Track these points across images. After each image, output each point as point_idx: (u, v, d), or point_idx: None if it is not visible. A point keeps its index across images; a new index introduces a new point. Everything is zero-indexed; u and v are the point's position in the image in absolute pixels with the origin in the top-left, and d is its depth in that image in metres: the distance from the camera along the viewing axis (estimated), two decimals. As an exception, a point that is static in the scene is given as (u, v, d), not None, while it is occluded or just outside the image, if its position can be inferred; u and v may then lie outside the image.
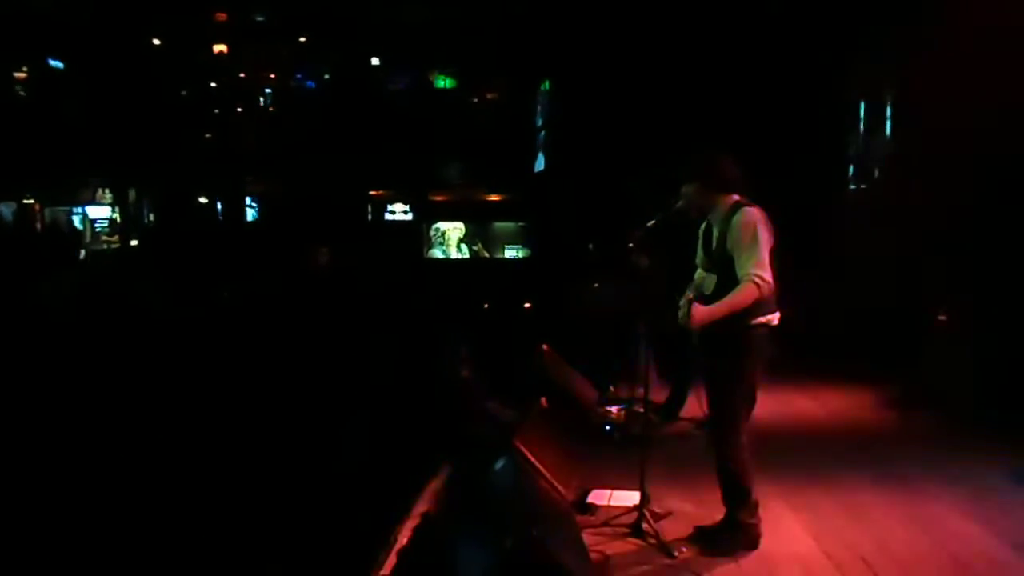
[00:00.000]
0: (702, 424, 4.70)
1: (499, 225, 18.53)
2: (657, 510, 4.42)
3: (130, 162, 20.11)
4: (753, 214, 3.87)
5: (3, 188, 18.79)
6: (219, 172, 22.36)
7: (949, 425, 6.23)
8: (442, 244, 18.06)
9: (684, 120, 9.59)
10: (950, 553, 3.95)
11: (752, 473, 4.00)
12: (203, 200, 23.39)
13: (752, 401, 3.99)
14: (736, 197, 3.99)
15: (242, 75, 22.66)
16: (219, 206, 23.48)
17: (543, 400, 5.39)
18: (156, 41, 21.36)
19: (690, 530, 4.19)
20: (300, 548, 4.18)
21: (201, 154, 21.85)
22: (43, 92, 20.18)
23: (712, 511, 4.23)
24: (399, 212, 21.45)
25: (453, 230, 18.13)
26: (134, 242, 21.52)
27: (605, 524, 4.30)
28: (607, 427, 5.98)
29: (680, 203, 4.18)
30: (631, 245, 4.38)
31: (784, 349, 4.05)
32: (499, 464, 4.03)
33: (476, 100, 22.15)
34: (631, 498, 4.40)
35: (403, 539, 3.59)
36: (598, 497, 4.66)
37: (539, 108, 17.60)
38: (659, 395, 6.05)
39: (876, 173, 9.55)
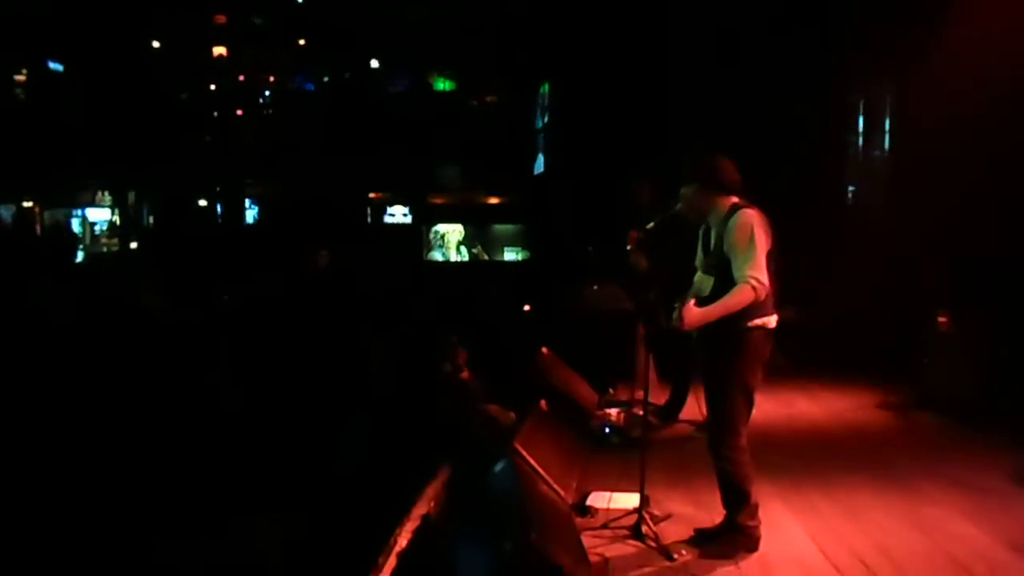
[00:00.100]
0: (702, 426, 4.70)
1: (498, 227, 18.54)
2: (657, 512, 4.42)
3: (129, 164, 20.11)
4: (750, 216, 3.88)
5: (2, 190, 18.79)
6: (218, 174, 22.37)
7: (948, 427, 6.24)
8: (441, 246, 18.07)
9: (684, 122, 9.59)
10: (950, 555, 3.95)
11: (752, 475, 4.00)
12: (202, 203, 23.38)
13: (751, 403, 3.99)
14: (734, 199, 3.99)
15: (241, 77, 22.66)
16: (218, 208, 23.48)
17: (543, 402, 5.39)
18: (156, 43, 21.36)
19: (690, 532, 4.19)
20: (300, 549, 4.18)
21: (201, 156, 21.86)
22: (42, 94, 20.18)
23: (712, 513, 4.23)
24: (398, 215, 21.46)
25: (452, 232, 18.14)
26: (134, 244, 21.53)
27: (605, 526, 4.31)
28: (607, 429, 5.97)
29: (679, 205, 4.18)
30: (630, 247, 4.40)
31: (785, 350, 4.05)
32: (499, 466, 4.03)
33: (475, 102, 22.16)
34: (631, 500, 4.40)
35: (403, 541, 3.58)
36: (598, 499, 4.66)
37: (538, 110, 17.60)
38: (659, 397, 6.05)
39: (876, 175, 9.54)
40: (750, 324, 3.85)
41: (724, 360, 3.91)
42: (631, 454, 4.68)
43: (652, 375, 4.89)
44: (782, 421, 6.44)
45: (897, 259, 8.46)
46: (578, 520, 4.35)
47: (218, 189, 23.10)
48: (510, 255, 18.10)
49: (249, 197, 23.49)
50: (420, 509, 3.87)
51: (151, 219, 23.07)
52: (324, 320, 7.36)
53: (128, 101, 19.74)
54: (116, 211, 22.64)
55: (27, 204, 20.22)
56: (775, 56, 9.70)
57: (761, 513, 4.07)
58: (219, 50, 21.73)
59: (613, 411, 6.30)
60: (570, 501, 4.58)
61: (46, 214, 20.67)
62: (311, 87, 23.24)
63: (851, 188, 10.01)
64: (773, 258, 3.87)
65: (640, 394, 4.94)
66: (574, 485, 4.84)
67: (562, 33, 12.83)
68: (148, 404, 5.82)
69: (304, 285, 8.99)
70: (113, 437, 5.34)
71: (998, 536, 4.15)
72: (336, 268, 9.79)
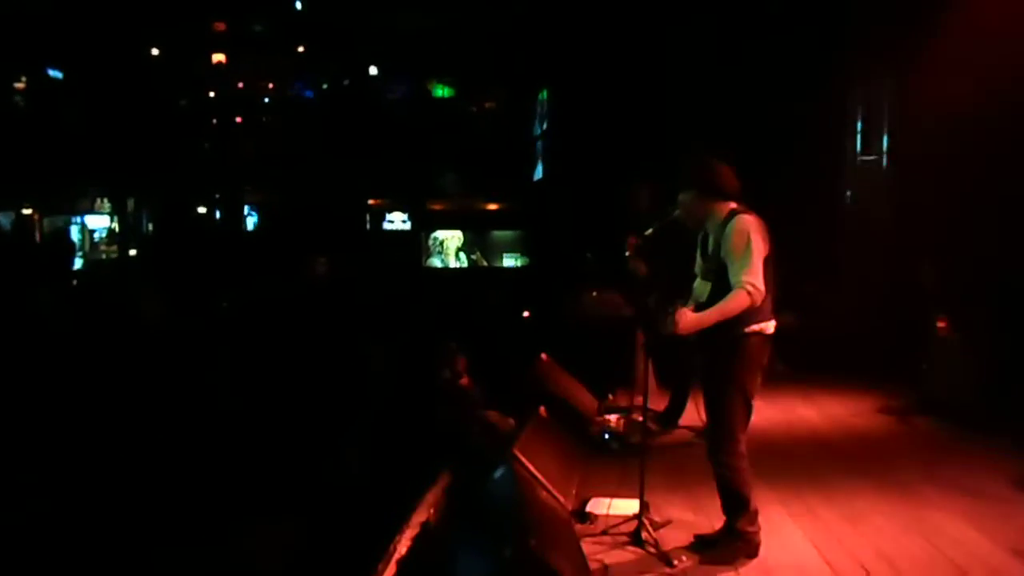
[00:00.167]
0: (701, 432, 4.70)
1: (497, 234, 18.53)
2: (656, 519, 4.42)
3: (129, 171, 20.12)
4: (747, 222, 3.88)
5: (2, 198, 18.79)
6: (218, 181, 22.38)
7: (948, 431, 6.24)
8: (440, 253, 18.06)
9: (683, 123, 9.59)
10: (950, 560, 3.95)
11: (751, 481, 4.00)
12: (202, 209, 23.39)
13: (750, 409, 3.99)
14: (733, 205, 3.99)
15: (240, 84, 22.69)
16: (217, 215, 23.49)
17: (542, 409, 5.39)
18: (155, 51, 21.39)
19: (690, 538, 4.19)
20: (300, 556, 4.17)
21: (200, 163, 21.87)
22: (42, 102, 20.20)
23: (712, 519, 4.23)
24: (397, 221, 21.46)
25: (451, 239, 18.13)
26: (133, 251, 21.51)
27: (604, 533, 4.30)
28: (606, 436, 5.97)
29: (677, 211, 4.19)
30: (629, 254, 4.40)
31: (784, 356, 4.05)
32: (498, 473, 4.03)
33: (474, 109, 22.17)
34: (630, 507, 4.40)
35: (402, 548, 3.57)
36: (597, 506, 4.66)
37: (537, 117, 17.62)
38: (658, 403, 6.05)
39: (875, 175, 9.51)
40: (747, 330, 3.85)
41: (722, 366, 3.91)
42: (630, 460, 4.68)
43: (651, 381, 4.90)
44: (782, 427, 6.44)
45: (897, 260, 8.45)
46: (578, 526, 4.35)
47: (217, 196, 23.11)
48: (509, 261, 18.09)
49: (248, 204, 23.49)
50: (419, 516, 3.87)
51: (150, 226, 23.06)
52: (323, 327, 7.35)
53: (127, 108, 19.75)
54: (115, 218, 22.64)
55: (26, 211, 20.22)
56: (775, 56, 9.70)
57: (761, 519, 4.07)
58: (218, 57, 21.76)
59: (612, 417, 6.30)
60: (570, 507, 4.57)
61: (46, 221, 20.66)
62: (310, 94, 23.26)
63: (848, 192, 9.99)
64: (771, 264, 3.88)
65: (639, 400, 4.94)
66: (573, 491, 4.84)
67: (560, 39, 12.84)
68: (147, 411, 5.82)
69: (303, 292, 8.98)
70: (112, 444, 5.33)
71: (999, 541, 4.15)
72: (335, 275, 9.77)
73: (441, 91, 22.34)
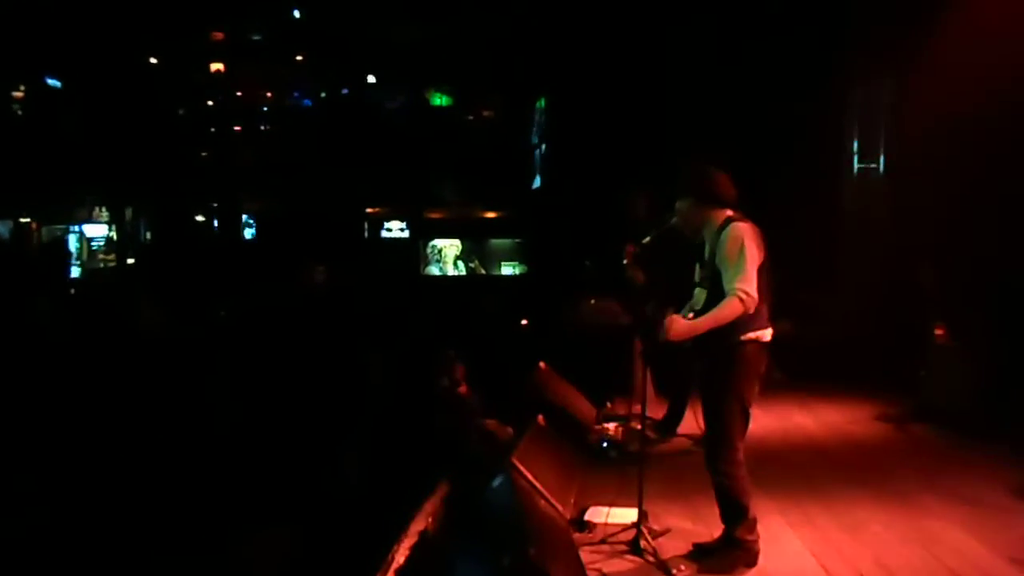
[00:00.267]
0: (700, 440, 4.69)
1: (495, 242, 18.54)
2: (655, 527, 4.41)
3: (127, 180, 20.13)
4: (742, 229, 3.89)
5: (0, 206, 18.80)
6: (216, 190, 22.39)
7: (947, 439, 6.23)
8: (438, 261, 18.07)
9: (683, 123, 9.60)
10: (949, 569, 3.95)
11: (749, 489, 4.00)
12: (200, 218, 23.39)
13: (747, 417, 3.99)
14: (729, 212, 4.00)
15: (239, 93, 22.73)
16: (215, 224, 23.50)
17: (540, 417, 5.39)
18: (153, 60, 21.43)
19: (688, 547, 4.18)
20: (298, 566, 4.16)
21: (198, 172, 21.89)
22: (40, 110, 20.22)
23: (710, 528, 4.23)
24: (395, 229, 21.47)
25: (449, 247, 18.14)
26: (131, 260, 21.50)
27: (603, 541, 4.30)
28: (604, 444, 5.97)
29: (674, 219, 4.19)
30: (626, 262, 4.40)
31: (781, 364, 4.06)
32: (496, 482, 4.03)
33: (472, 118, 22.21)
34: (629, 515, 4.39)
35: (400, 558, 3.56)
36: (596, 514, 4.65)
37: (535, 125, 17.65)
38: (657, 411, 6.04)
39: (875, 176, 9.51)
40: (743, 337, 3.85)
41: (719, 374, 3.91)
42: (629, 469, 4.67)
43: (650, 389, 4.89)
44: (779, 435, 6.43)
45: (895, 263, 8.44)
46: (576, 535, 4.35)
47: (215, 205, 23.12)
48: (507, 269, 18.09)
49: (246, 212, 23.50)
50: (418, 525, 3.86)
51: (148, 235, 23.06)
52: (321, 335, 7.35)
53: (126, 117, 19.77)
54: (113, 227, 22.63)
55: (24, 220, 20.21)
56: (775, 56, 9.70)
57: (760, 527, 4.06)
58: (217, 66, 21.81)
59: (611, 425, 6.29)
60: (568, 516, 4.57)
61: (44, 230, 20.66)
62: (309, 103, 23.30)
63: (847, 198, 9.99)
64: (766, 271, 3.88)
65: (638, 408, 4.94)
66: (572, 500, 4.83)
67: (558, 47, 12.88)
68: (145, 419, 5.81)
69: (301, 300, 8.98)
70: (111, 452, 5.33)
71: (998, 549, 4.15)
72: (333, 283, 9.77)
73: (439, 100, 22.38)
